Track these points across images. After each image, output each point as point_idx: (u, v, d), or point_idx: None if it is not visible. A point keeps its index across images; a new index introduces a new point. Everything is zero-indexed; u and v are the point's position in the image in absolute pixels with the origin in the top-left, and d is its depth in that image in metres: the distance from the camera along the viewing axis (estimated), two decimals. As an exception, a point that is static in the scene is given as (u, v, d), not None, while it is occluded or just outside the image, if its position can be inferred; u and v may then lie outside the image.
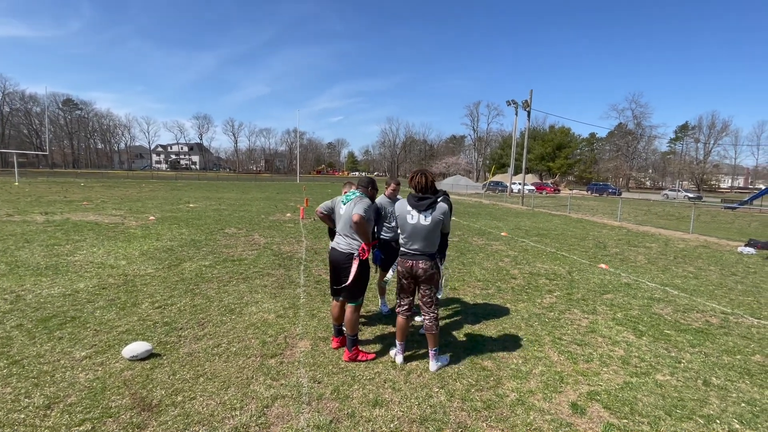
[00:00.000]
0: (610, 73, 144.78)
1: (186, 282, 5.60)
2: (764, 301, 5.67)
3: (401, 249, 3.35)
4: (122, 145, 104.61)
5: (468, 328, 4.29)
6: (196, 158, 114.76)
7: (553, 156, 69.18)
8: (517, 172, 43.87)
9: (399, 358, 3.42)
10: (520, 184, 41.03)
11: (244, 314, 4.49)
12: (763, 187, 48.29)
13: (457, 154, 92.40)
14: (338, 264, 3.38)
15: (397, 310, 3.43)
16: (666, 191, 49.81)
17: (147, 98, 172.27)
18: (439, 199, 4.06)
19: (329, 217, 3.65)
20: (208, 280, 5.72)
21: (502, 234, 11.53)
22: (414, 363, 3.46)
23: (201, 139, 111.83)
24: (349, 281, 3.27)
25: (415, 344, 3.82)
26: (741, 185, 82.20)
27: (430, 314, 3.33)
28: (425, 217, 3.17)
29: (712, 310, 5.18)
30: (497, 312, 4.84)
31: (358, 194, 3.40)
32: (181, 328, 4.04)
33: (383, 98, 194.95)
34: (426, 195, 3.24)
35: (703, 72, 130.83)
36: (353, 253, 3.31)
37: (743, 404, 2.97)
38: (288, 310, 4.66)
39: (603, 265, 7.59)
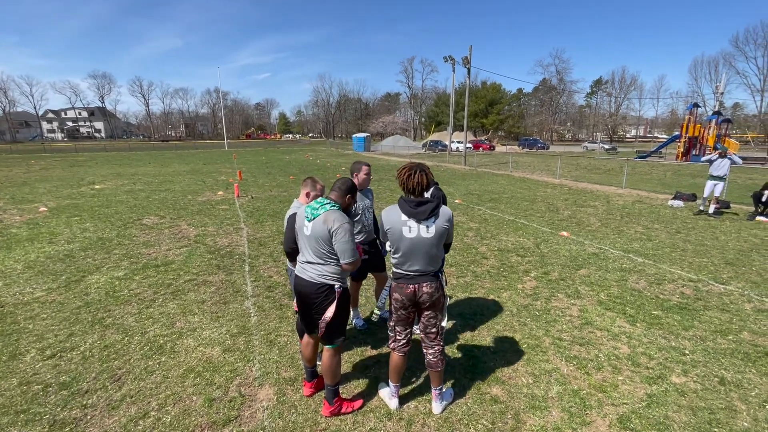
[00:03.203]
0: (537, 29, 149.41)
1: (92, 307, 4.30)
2: (717, 262, 5.87)
3: (395, 270, 2.54)
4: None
5: (461, 338, 3.71)
6: (99, 125, 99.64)
7: (486, 112, 70.87)
8: (454, 129, 44.21)
9: (394, 403, 2.73)
10: (458, 142, 41.64)
11: (179, 352, 3.45)
12: (665, 137, 54.32)
13: (393, 113, 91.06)
14: (307, 298, 2.49)
15: (391, 347, 2.67)
16: (585, 143, 53.92)
17: (25, 53, 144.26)
18: (429, 192, 3.28)
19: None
20: (125, 301, 4.46)
21: (456, 201, 11.18)
22: (411, 404, 2.79)
23: (103, 103, 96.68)
24: (323, 324, 2.42)
25: (405, 371, 3.13)
26: (641, 134, 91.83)
27: (434, 347, 2.63)
28: (428, 227, 2.37)
29: (680, 278, 5.19)
30: (483, 308, 4.33)
31: (329, 205, 2.44)
32: (86, 392, 2.93)
33: (313, 53, 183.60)
34: (424, 198, 2.42)
35: (616, 27, 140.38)
36: (329, 285, 2.44)
37: (767, 405, 2.76)
38: (237, 337, 3.70)
39: (564, 233, 7.50)
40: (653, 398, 2.83)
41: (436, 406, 2.69)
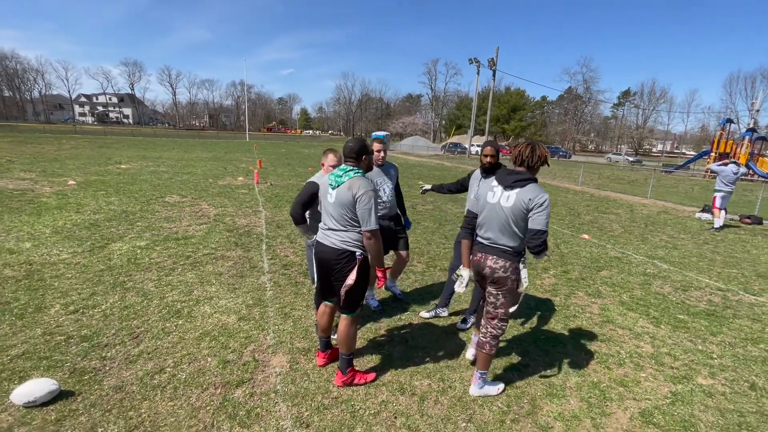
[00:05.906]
0: (566, 35, 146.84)
1: (114, 271, 4.40)
2: (748, 274, 5.62)
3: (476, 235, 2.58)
4: (36, 94, 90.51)
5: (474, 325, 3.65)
6: (128, 111, 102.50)
7: (508, 118, 70.00)
8: (474, 133, 43.80)
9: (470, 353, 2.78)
10: (478, 146, 41.24)
11: (195, 317, 3.49)
12: (693, 153, 52.60)
13: (414, 114, 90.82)
14: (328, 264, 2.48)
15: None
16: (609, 155, 52.65)
17: (61, 38, 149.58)
18: None
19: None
20: (145, 268, 4.55)
21: (475, 200, 11.04)
22: (425, 381, 2.74)
23: (132, 90, 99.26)
24: (344, 290, 2.40)
25: (433, 345, 3.09)
26: (668, 150, 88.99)
27: (487, 327, 2.55)
28: (508, 197, 2.32)
29: (708, 287, 4.98)
30: (500, 299, 4.25)
31: (352, 172, 2.41)
32: (106, 345, 2.99)
33: (338, 51, 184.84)
34: (517, 170, 2.39)
35: (647, 39, 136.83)
36: (350, 251, 2.42)
37: (802, 414, 2.61)
38: (252, 308, 3.72)
39: (585, 236, 7.32)
40: (678, 396, 2.71)
41: (474, 388, 2.60)
